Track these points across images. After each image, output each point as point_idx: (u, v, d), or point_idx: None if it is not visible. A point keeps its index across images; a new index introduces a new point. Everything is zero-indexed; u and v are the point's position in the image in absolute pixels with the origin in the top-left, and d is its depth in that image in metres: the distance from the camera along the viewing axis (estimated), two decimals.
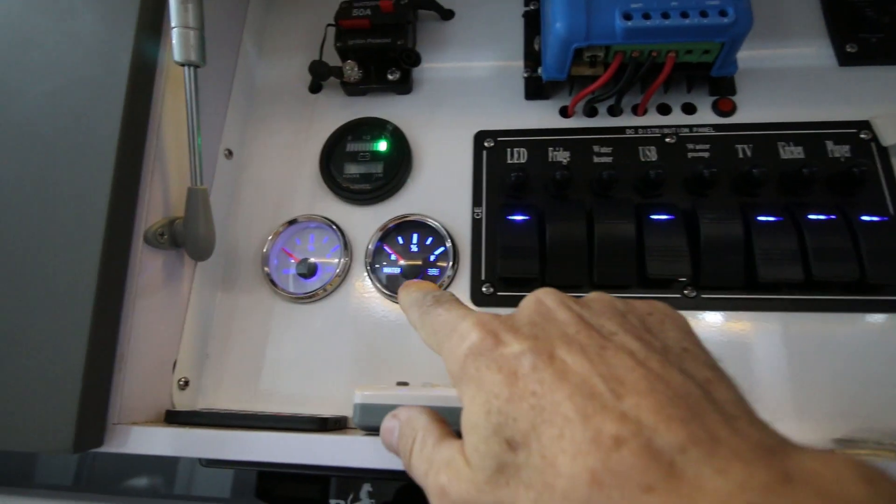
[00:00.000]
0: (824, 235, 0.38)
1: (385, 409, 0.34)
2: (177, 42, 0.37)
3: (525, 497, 0.19)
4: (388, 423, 0.27)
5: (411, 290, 0.30)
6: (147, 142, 0.38)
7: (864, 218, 0.39)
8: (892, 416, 0.36)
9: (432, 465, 0.23)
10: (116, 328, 0.35)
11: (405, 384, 0.37)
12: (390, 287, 0.44)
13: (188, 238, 0.39)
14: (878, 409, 0.36)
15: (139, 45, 0.38)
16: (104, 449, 0.34)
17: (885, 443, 0.33)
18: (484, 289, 0.42)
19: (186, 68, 0.38)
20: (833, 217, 0.39)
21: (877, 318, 0.39)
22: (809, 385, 0.38)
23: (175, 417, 0.37)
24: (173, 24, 0.37)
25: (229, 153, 0.48)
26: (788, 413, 0.37)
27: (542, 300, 0.24)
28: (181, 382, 0.41)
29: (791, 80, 0.46)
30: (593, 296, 0.25)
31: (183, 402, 0.41)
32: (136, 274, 0.36)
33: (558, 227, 0.41)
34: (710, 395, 0.19)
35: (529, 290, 0.41)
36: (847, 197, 0.41)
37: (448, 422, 0.30)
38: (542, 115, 0.48)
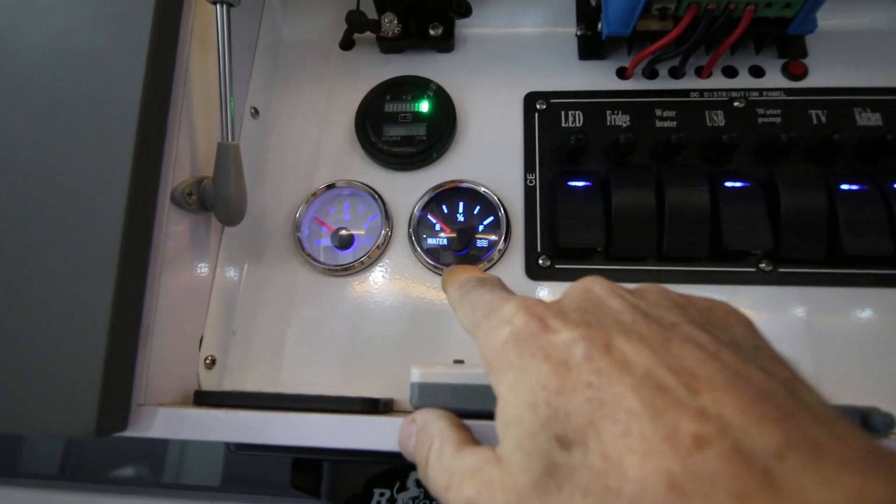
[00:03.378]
0: None
1: (445, 389, 0.30)
2: None
3: None
4: (405, 429, 0.25)
5: (457, 273, 0.28)
6: (173, 91, 0.34)
7: None
8: None
9: (453, 476, 0.20)
10: (142, 297, 0.31)
11: (461, 362, 0.34)
12: (434, 259, 0.40)
13: (218, 199, 0.35)
14: None
15: None
16: (129, 433, 0.30)
17: None
18: (540, 261, 0.39)
19: (218, 6, 0.34)
20: None
21: None
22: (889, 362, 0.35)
23: (205, 398, 0.33)
24: None
25: (255, 112, 0.44)
26: (882, 398, 0.34)
27: (591, 288, 0.22)
28: (208, 361, 0.37)
29: (867, 43, 0.43)
30: (646, 286, 0.22)
31: (210, 382, 0.37)
32: (162, 238, 0.32)
33: (625, 193, 0.37)
34: (796, 394, 0.16)
35: (590, 263, 0.39)
36: None
37: None
38: (598, 77, 0.44)
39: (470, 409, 0.30)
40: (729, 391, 0.16)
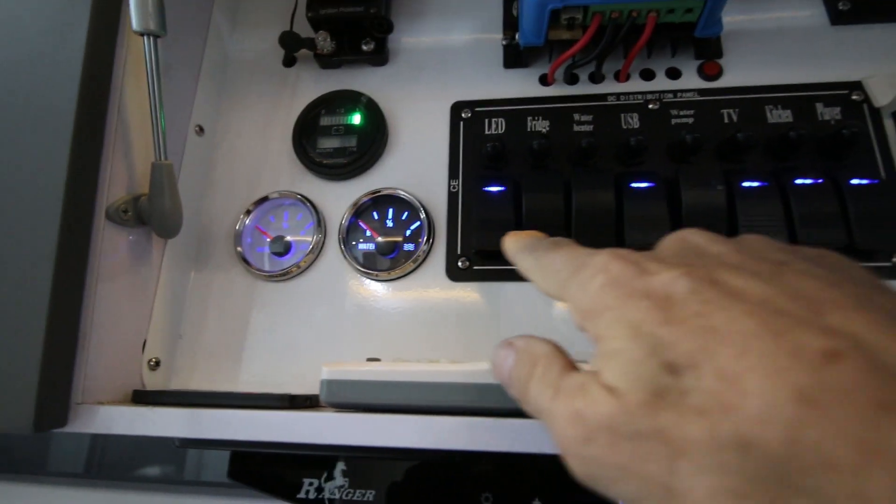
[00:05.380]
0: (811, 200, 0.37)
1: (352, 386, 0.33)
2: (135, 10, 0.36)
3: (696, 423, 0.16)
4: (501, 351, 0.25)
5: (520, 238, 0.28)
6: (108, 115, 0.37)
7: (854, 181, 0.37)
8: None
9: (560, 390, 0.20)
10: (78, 307, 0.34)
11: (376, 360, 0.36)
12: (366, 264, 0.43)
13: (153, 215, 0.38)
14: None
15: (97, 14, 0.36)
16: (68, 429, 0.34)
17: None
18: (460, 263, 0.41)
19: (146, 38, 0.37)
20: (820, 181, 0.37)
21: None
22: None
23: (142, 397, 0.37)
24: None
25: (200, 129, 0.47)
26: None
27: (687, 237, 0.22)
28: (151, 363, 0.40)
29: (780, 41, 0.44)
30: (748, 235, 0.22)
31: (154, 382, 0.40)
32: (98, 251, 0.35)
33: (534, 197, 0.39)
34: None
35: (507, 265, 0.41)
36: (837, 161, 0.40)
37: (440, 399, 0.29)
38: (522, 84, 0.46)
39: (376, 403, 0.33)
40: (859, 311, 0.15)
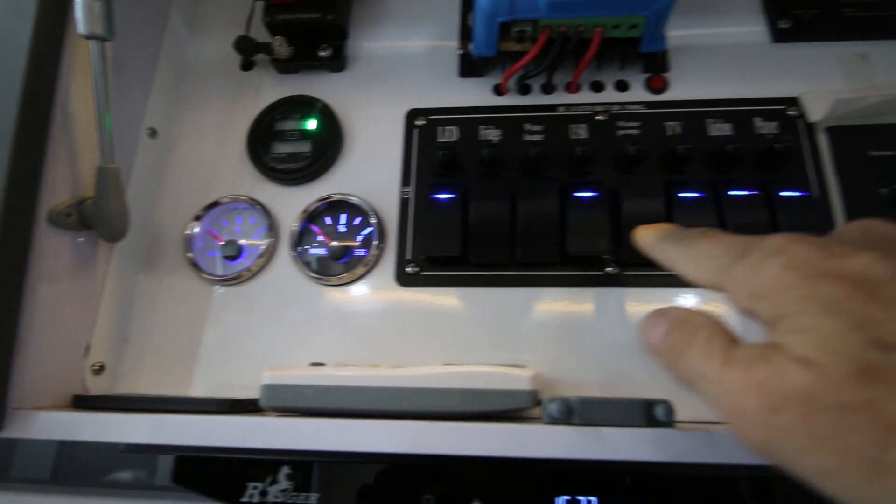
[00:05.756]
0: (743, 211, 0.38)
1: (292, 390, 0.33)
2: (80, 14, 0.36)
3: None
4: (652, 319, 0.25)
5: (656, 229, 0.29)
6: (52, 119, 0.37)
7: (784, 194, 0.38)
8: None
9: (733, 359, 0.20)
10: (16, 311, 0.34)
11: (321, 365, 0.37)
12: (317, 268, 0.43)
13: (99, 219, 0.38)
14: None
15: (42, 16, 0.36)
16: (4, 434, 0.33)
17: None
18: (409, 269, 0.42)
19: (92, 41, 0.37)
20: (753, 193, 0.39)
21: None
22: None
23: (83, 402, 0.36)
24: None
25: (153, 132, 0.46)
26: None
27: (873, 226, 0.23)
28: (95, 367, 0.40)
29: (724, 57, 0.46)
30: None
31: (98, 387, 0.40)
32: (38, 255, 0.35)
33: (481, 205, 0.40)
34: None
35: (455, 270, 0.42)
36: (772, 173, 0.41)
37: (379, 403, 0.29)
38: (476, 93, 0.47)
39: (314, 407, 0.33)
40: None
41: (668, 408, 0.29)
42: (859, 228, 0.24)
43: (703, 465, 0.28)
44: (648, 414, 0.29)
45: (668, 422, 0.29)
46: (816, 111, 0.42)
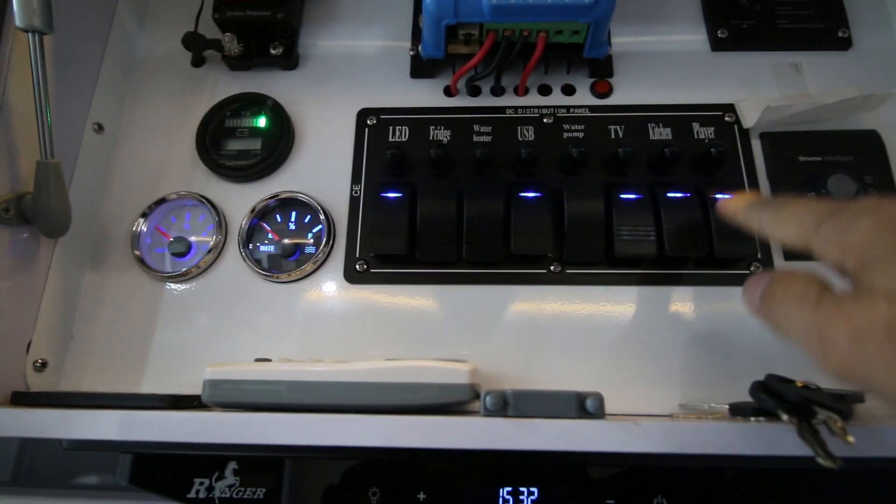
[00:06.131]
0: (678, 212, 0.40)
1: (233, 385, 0.34)
2: (17, 6, 0.35)
3: None
4: (755, 279, 0.28)
5: (741, 198, 0.32)
6: None
7: (718, 196, 0.40)
8: (726, 385, 0.38)
9: (825, 300, 0.23)
10: None
11: (266, 360, 0.37)
12: (267, 266, 0.43)
13: (38, 214, 0.37)
14: (716, 378, 0.38)
15: None
16: None
17: (715, 409, 0.35)
18: (357, 266, 0.42)
19: (31, 34, 0.36)
20: (688, 195, 0.41)
21: (724, 292, 0.41)
22: (663, 353, 0.40)
23: (21, 398, 0.36)
24: None
25: (99, 127, 0.46)
26: (641, 379, 0.39)
27: None
28: (37, 364, 0.39)
29: (666, 64, 0.48)
30: None
31: (41, 383, 0.39)
32: None
33: (429, 204, 0.41)
34: None
35: (403, 268, 0.42)
36: (708, 176, 0.43)
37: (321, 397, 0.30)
38: (427, 94, 0.48)
39: (259, 402, 0.34)
40: None
41: (599, 400, 0.30)
42: None
43: (633, 454, 0.29)
44: (580, 406, 0.31)
45: (599, 413, 0.30)
46: (750, 118, 0.44)
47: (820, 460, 0.26)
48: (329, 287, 0.42)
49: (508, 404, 0.31)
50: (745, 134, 0.45)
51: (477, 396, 0.33)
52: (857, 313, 0.22)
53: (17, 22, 0.35)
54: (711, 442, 0.30)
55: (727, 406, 0.35)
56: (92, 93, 0.46)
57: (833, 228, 0.25)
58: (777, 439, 0.30)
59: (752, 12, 0.49)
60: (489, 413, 0.31)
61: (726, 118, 0.45)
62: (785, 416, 0.30)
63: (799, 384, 0.32)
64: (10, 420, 0.33)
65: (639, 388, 0.39)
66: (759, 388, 0.32)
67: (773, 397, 0.31)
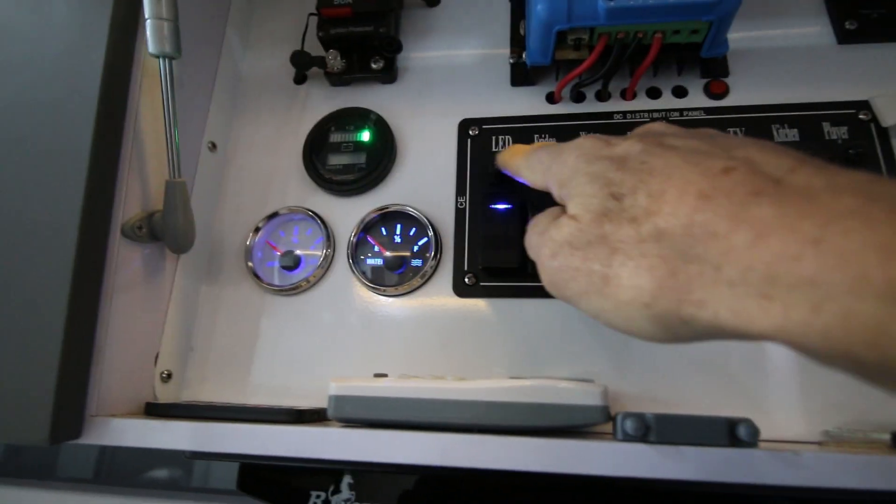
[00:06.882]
0: None
1: (359, 401, 0.34)
2: (151, 33, 0.37)
3: (629, 227, 0.23)
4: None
5: (514, 148, 0.37)
6: (124, 135, 0.38)
7: None
8: (882, 410, 0.34)
9: (544, 228, 0.28)
10: (94, 322, 0.35)
11: (384, 375, 0.37)
12: (374, 279, 0.43)
13: (167, 231, 0.39)
14: (869, 403, 0.35)
15: (114, 37, 0.38)
16: (82, 441, 0.34)
17: (874, 437, 0.32)
18: (466, 279, 0.42)
19: (161, 60, 0.38)
20: None
21: None
22: (801, 375, 0.36)
23: (155, 409, 0.37)
24: (147, 16, 0.37)
25: (213, 146, 0.48)
26: (781, 402, 0.36)
27: (651, 126, 0.29)
28: (164, 375, 0.41)
29: (787, 60, 0.45)
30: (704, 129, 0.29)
31: (166, 394, 0.41)
32: (113, 267, 0.36)
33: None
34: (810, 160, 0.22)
35: (513, 281, 0.41)
36: None
37: (447, 416, 0.31)
38: (529, 102, 0.47)
39: (382, 419, 0.33)
40: (755, 146, 0.22)
41: (753, 427, 0.28)
42: (641, 129, 0.29)
43: (789, 487, 0.27)
44: (731, 433, 0.28)
45: (753, 442, 0.28)
46: (890, 115, 0.40)
47: None
48: (438, 300, 0.42)
49: (650, 429, 0.29)
50: (883, 133, 0.41)
51: (610, 419, 0.31)
52: (553, 234, 0.27)
53: (150, 49, 0.37)
54: (883, 476, 0.27)
55: (888, 435, 0.32)
56: (206, 113, 0.48)
57: (556, 167, 0.29)
58: None
59: (881, 1, 0.45)
60: (628, 438, 0.29)
61: (861, 116, 0.42)
62: None
63: None
64: (148, 431, 0.34)
65: (774, 411, 0.36)
66: None
67: None
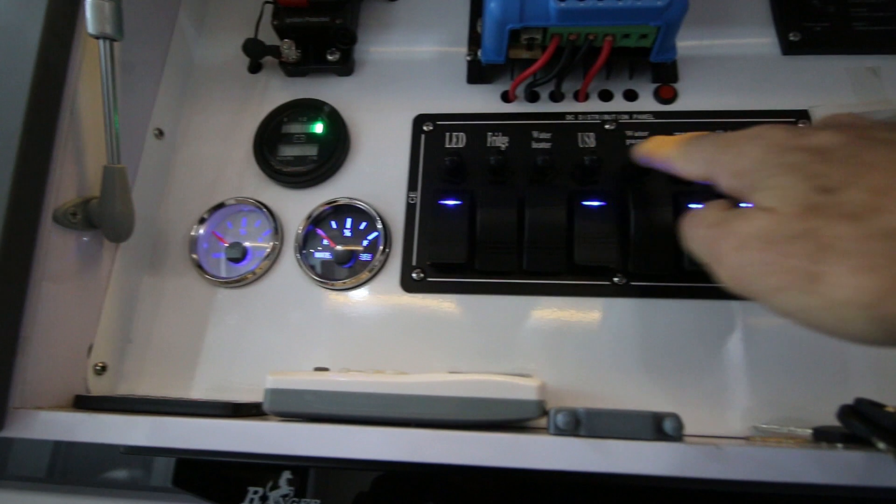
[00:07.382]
0: None
1: (295, 395, 0.33)
2: (90, 13, 0.36)
3: (847, 224, 0.21)
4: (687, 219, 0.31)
5: (662, 138, 0.35)
6: (59, 118, 0.36)
7: None
8: (811, 406, 0.36)
9: (721, 220, 0.27)
10: (19, 309, 0.34)
11: (325, 370, 0.36)
12: (323, 272, 0.43)
13: (104, 218, 0.38)
14: (799, 400, 0.36)
15: (51, 15, 0.36)
16: (5, 433, 0.33)
17: (797, 433, 0.33)
18: (414, 275, 0.41)
19: (102, 41, 0.36)
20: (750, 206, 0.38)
21: None
22: (733, 372, 0.37)
23: (84, 403, 0.36)
24: None
25: (160, 133, 0.46)
26: (708, 398, 0.37)
27: (837, 117, 0.28)
28: (98, 367, 0.39)
29: (734, 68, 0.46)
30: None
31: (100, 387, 0.40)
32: (43, 254, 0.35)
33: (488, 212, 0.40)
34: None
35: (460, 277, 0.41)
36: None
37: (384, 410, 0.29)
38: (484, 100, 0.47)
39: (318, 413, 0.33)
40: None
41: (678, 421, 0.29)
42: (825, 118, 0.29)
43: (713, 480, 0.28)
44: (657, 427, 0.29)
45: (677, 436, 0.29)
46: None
47: None
48: (385, 295, 0.42)
49: (581, 423, 0.29)
50: None
51: (544, 413, 0.32)
52: (740, 226, 0.25)
53: (90, 29, 0.36)
54: (802, 469, 0.28)
55: (810, 430, 0.33)
56: (153, 99, 0.46)
57: (728, 157, 0.27)
58: (872, 469, 0.28)
59: (825, 14, 0.47)
60: (560, 432, 0.30)
61: (800, 125, 0.43)
62: (882, 445, 0.28)
63: (890, 409, 0.30)
64: (75, 425, 0.33)
65: (707, 407, 0.37)
66: (849, 412, 0.30)
67: (865, 423, 0.29)
